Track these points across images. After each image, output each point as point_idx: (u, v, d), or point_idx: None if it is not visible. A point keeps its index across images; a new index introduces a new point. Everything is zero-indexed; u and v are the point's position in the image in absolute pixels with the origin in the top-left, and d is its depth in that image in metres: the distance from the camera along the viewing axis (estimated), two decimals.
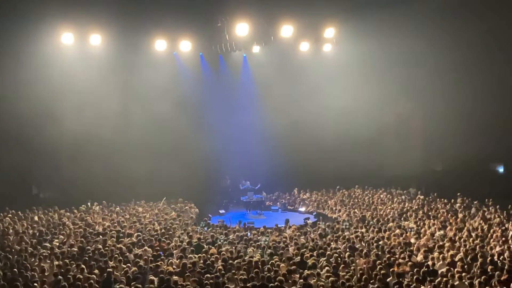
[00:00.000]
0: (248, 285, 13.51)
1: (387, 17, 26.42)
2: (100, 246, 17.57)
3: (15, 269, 14.67)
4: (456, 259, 15.53)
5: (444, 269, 14.50)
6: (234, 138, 30.48)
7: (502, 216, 21.32)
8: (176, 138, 28.38)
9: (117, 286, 13.60)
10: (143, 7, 23.84)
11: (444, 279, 13.41)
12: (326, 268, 14.95)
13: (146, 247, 17.62)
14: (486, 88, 26.68)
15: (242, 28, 25.43)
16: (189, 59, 29.84)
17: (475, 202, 24.43)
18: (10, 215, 22.48)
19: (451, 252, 16.31)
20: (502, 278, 13.26)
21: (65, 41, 25.53)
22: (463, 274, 13.72)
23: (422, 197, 27.00)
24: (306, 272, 14.41)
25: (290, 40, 27.68)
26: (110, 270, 14.35)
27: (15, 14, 23.10)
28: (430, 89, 29.08)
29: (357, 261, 15.91)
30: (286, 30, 26.26)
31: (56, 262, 15.64)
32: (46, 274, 14.49)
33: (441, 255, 15.96)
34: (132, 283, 13.71)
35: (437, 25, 27.20)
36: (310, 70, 30.44)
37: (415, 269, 14.58)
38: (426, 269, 14.64)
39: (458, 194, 25.76)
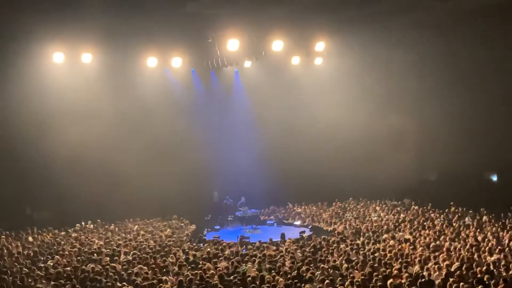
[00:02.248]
0: None
1: (377, 31, 26.65)
2: (95, 265, 17.47)
3: None
4: (452, 269, 15.53)
5: (440, 280, 14.50)
6: (227, 152, 30.49)
7: (496, 225, 21.37)
8: (169, 154, 28.36)
9: None
10: (134, 24, 23.87)
11: None
12: (326, 281, 14.92)
13: (141, 265, 17.54)
14: (479, 98, 26.83)
15: (233, 44, 25.50)
16: (180, 75, 29.97)
17: (470, 211, 24.50)
18: (4, 236, 22.35)
19: (447, 262, 16.31)
20: (498, 287, 13.27)
21: (56, 60, 25.52)
22: (460, 284, 13.71)
23: (416, 207, 27.06)
24: (304, 286, 14.38)
25: (281, 54, 27.77)
26: None
27: (5, 33, 23.08)
28: (422, 100, 29.29)
29: (354, 273, 15.88)
30: (277, 45, 26.35)
31: (51, 283, 15.54)
32: None
33: (437, 266, 15.97)
34: None
35: (427, 37, 27.49)
36: (302, 84, 30.63)
37: (412, 280, 14.59)
38: (422, 279, 14.64)
39: (452, 203, 25.84)
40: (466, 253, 17.35)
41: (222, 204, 29.95)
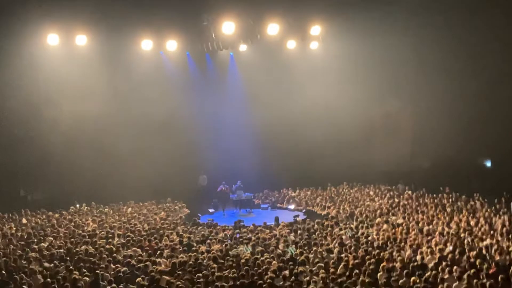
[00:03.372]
0: (238, 283, 13.51)
1: (373, 15, 26.53)
2: (89, 247, 17.51)
3: (4, 272, 14.60)
4: (445, 253, 15.63)
5: (433, 263, 14.61)
6: (221, 136, 30.43)
7: (489, 210, 21.47)
8: (163, 138, 28.31)
9: (108, 287, 13.55)
10: (129, 7, 23.73)
11: (433, 272, 13.49)
12: (318, 264, 15.00)
13: (135, 247, 17.59)
14: (473, 84, 26.80)
15: (228, 27, 25.38)
16: (175, 58, 29.77)
17: (463, 196, 24.60)
18: None
19: (440, 246, 16.41)
20: (490, 272, 13.37)
21: (51, 42, 25.35)
22: (453, 267, 13.81)
23: (410, 192, 27.16)
24: (297, 268, 14.46)
25: (277, 38, 27.67)
26: (99, 271, 14.29)
27: None
28: (417, 86, 29.26)
29: (347, 256, 15.97)
30: (273, 28, 26.22)
31: (45, 264, 15.57)
32: (35, 276, 14.40)
33: (429, 250, 16.08)
34: (122, 283, 13.67)
35: (424, 23, 27.33)
36: (297, 68, 30.50)
37: (404, 264, 14.70)
38: (415, 263, 14.74)
39: (446, 187, 25.94)
40: (459, 238, 17.44)
41: (211, 188, 29.83)
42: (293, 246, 17.58)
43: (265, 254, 16.51)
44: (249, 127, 30.82)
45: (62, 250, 17.13)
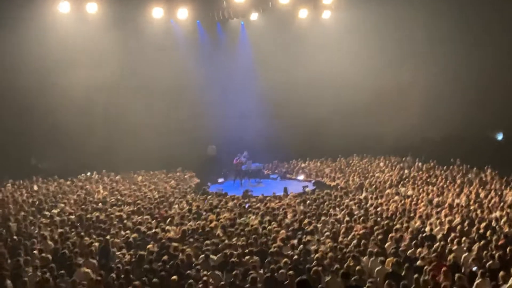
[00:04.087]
0: (246, 251, 13.59)
1: None
2: (99, 214, 17.65)
3: (15, 237, 14.76)
4: (454, 224, 15.60)
5: (441, 234, 14.59)
6: (231, 106, 30.31)
7: (499, 182, 21.37)
8: (174, 106, 28.28)
9: (117, 253, 13.67)
10: None
11: (442, 243, 13.47)
12: (326, 233, 15.04)
13: (145, 215, 17.71)
14: (488, 55, 26.42)
15: None
16: (186, 27, 29.53)
17: (474, 168, 24.49)
18: (9, 185, 22.54)
19: (449, 217, 16.37)
20: (499, 243, 13.33)
21: (62, 9, 25.19)
22: (462, 239, 13.79)
23: (420, 164, 27.06)
24: (305, 237, 14.52)
25: (289, 7, 27.41)
26: (108, 237, 14.41)
27: None
28: (430, 56, 28.85)
29: (355, 227, 15.99)
30: None
31: (56, 230, 15.72)
32: (46, 242, 14.55)
33: (438, 221, 16.06)
34: (132, 249, 13.80)
35: None
36: (309, 38, 30.18)
37: (413, 235, 14.70)
38: (423, 234, 14.73)
39: (457, 159, 25.83)
40: (469, 209, 17.40)
41: (221, 158, 29.85)
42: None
43: (273, 223, 16.56)
44: (259, 97, 30.66)
45: (73, 217, 17.28)
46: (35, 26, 24.71)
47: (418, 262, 12.42)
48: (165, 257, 12.94)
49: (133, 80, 27.84)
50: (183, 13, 27.59)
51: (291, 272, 11.66)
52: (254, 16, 29.55)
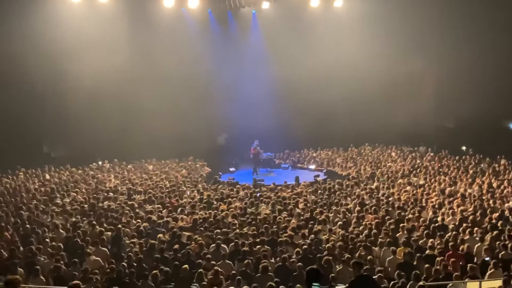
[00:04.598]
0: (257, 240, 13.60)
1: None
2: (111, 203, 17.73)
3: (28, 225, 14.88)
4: (466, 214, 15.52)
5: (453, 224, 14.53)
6: (242, 95, 30.21)
7: None
8: (184, 96, 28.23)
9: (128, 241, 13.74)
10: None
11: (454, 233, 13.42)
12: (339, 223, 15.03)
13: (157, 204, 17.76)
14: (502, 43, 26.15)
15: None
16: (197, 16, 29.43)
17: (487, 158, 24.34)
18: (21, 173, 22.68)
19: (461, 207, 16.30)
20: None
21: None
22: (474, 229, 13.72)
23: (432, 154, 26.94)
24: (316, 227, 14.51)
25: None
26: (120, 226, 14.48)
27: None
28: (443, 45, 28.59)
29: (367, 216, 15.97)
30: None
31: (68, 219, 15.82)
32: (57, 230, 14.66)
33: (451, 211, 15.99)
34: (143, 238, 13.85)
35: None
36: (321, 27, 29.93)
37: (425, 225, 14.65)
38: (436, 224, 14.68)
39: (470, 149, 25.68)
40: (481, 199, 17.30)
41: (232, 147, 29.89)
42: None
43: (284, 212, 16.57)
44: (270, 86, 30.50)
45: (85, 206, 17.37)
46: (47, 15, 24.71)
47: (430, 252, 12.39)
48: (176, 246, 12.98)
49: (144, 69, 27.75)
50: (194, 2, 27.48)
51: (300, 264, 11.70)
52: (265, 4, 29.36)
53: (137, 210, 17.01)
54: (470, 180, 20.73)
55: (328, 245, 13.00)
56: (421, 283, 10.33)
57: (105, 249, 13.28)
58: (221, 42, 30.73)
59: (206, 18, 30.20)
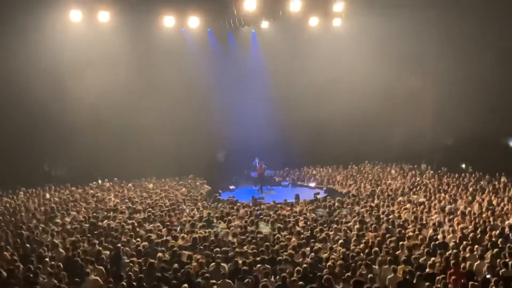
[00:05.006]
0: (258, 258, 13.56)
1: None
2: (111, 222, 17.69)
3: (27, 245, 14.84)
4: (466, 232, 15.49)
5: (454, 242, 14.49)
6: (242, 113, 30.33)
7: None
8: (185, 114, 28.35)
9: (127, 260, 13.69)
10: None
11: (454, 251, 13.38)
12: (340, 241, 14.98)
13: (156, 223, 17.72)
14: (500, 60, 26.30)
15: (250, 3, 25.11)
16: (197, 35, 29.67)
17: (486, 176, 24.35)
18: (21, 193, 22.67)
19: (462, 225, 16.28)
20: None
21: (74, 18, 25.31)
22: (474, 247, 13.69)
23: (432, 172, 26.95)
24: (317, 245, 14.47)
25: (299, 15, 27.39)
26: (119, 245, 14.44)
27: None
28: (441, 62, 28.76)
29: (367, 234, 15.93)
30: (295, 4, 25.93)
31: (67, 238, 15.78)
32: (57, 249, 14.61)
33: (451, 229, 15.96)
34: (143, 257, 13.80)
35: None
36: (320, 45, 30.16)
37: (426, 243, 14.60)
38: (436, 242, 14.64)
39: (469, 167, 25.67)
40: (481, 217, 17.27)
41: (231, 165, 29.93)
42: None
43: (284, 231, 16.54)
44: (269, 104, 30.67)
45: (84, 225, 17.33)
46: (47, 34, 24.84)
47: (430, 270, 12.35)
48: (175, 265, 12.93)
49: (144, 88, 27.91)
50: (194, 22, 27.68)
51: (300, 283, 11.65)
52: (265, 24, 29.63)
53: (137, 229, 16.98)
54: (470, 197, 20.71)
55: (328, 263, 12.95)
56: None
57: (102, 267, 13.20)
58: (221, 61, 30.98)
59: (206, 38, 30.47)
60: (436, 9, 27.21)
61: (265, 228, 17.16)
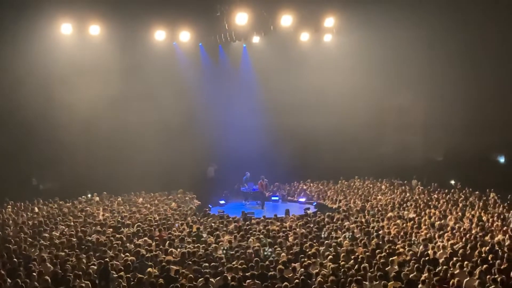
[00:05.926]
0: (247, 274, 13.48)
1: (387, 6, 26.23)
2: (99, 236, 17.56)
3: (15, 259, 14.68)
4: (456, 248, 15.50)
5: (444, 258, 14.49)
6: (233, 128, 30.30)
7: (502, 206, 21.29)
8: (175, 128, 28.29)
9: (115, 275, 13.56)
10: None
11: (444, 267, 13.38)
12: (329, 257, 14.93)
13: (145, 237, 17.61)
14: (489, 76, 26.54)
15: (241, 18, 25.19)
16: (188, 50, 29.70)
17: (476, 192, 24.43)
18: (9, 207, 22.48)
19: (452, 241, 16.30)
20: (502, 267, 13.23)
21: (64, 31, 25.29)
22: (464, 263, 13.68)
23: (421, 187, 27.01)
24: (307, 261, 14.41)
25: (290, 30, 27.52)
26: (108, 260, 14.31)
27: (13, 3, 22.95)
28: (430, 79, 28.96)
29: (357, 250, 15.90)
30: (286, 19, 26.03)
31: (55, 252, 15.63)
32: (45, 264, 14.46)
33: (441, 244, 15.96)
34: (131, 272, 13.69)
35: (437, 15, 27.04)
36: (311, 61, 30.26)
37: (416, 258, 14.59)
38: (426, 258, 14.63)
39: (458, 183, 25.77)
40: (471, 233, 17.30)
41: (221, 179, 29.88)
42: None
43: (274, 246, 16.48)
44: (260, 119, 30.67)
45: (73, 239, 17.18)
46: (38, 47, 24.76)
47: (420, 286, 12.33)
48: (161, 281, 12.79)
49: (136, 103, 27.81)
50: (185, 36, 27.74)
51: None
52: (256, 39, 29.76)
53: (126, 244, 16.85)
54: (460, 213, 20.76)
55: (319, 279, 12.89)
56: None
57: (89, 283, 13.06)
58: (212, 75, 30.98)
59: (197, 52, 30.47)
60: (425, 28, 27.42)
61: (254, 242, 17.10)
